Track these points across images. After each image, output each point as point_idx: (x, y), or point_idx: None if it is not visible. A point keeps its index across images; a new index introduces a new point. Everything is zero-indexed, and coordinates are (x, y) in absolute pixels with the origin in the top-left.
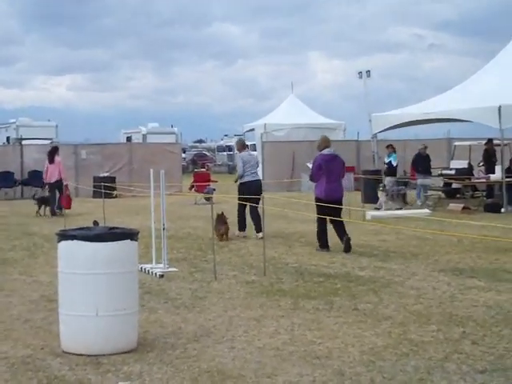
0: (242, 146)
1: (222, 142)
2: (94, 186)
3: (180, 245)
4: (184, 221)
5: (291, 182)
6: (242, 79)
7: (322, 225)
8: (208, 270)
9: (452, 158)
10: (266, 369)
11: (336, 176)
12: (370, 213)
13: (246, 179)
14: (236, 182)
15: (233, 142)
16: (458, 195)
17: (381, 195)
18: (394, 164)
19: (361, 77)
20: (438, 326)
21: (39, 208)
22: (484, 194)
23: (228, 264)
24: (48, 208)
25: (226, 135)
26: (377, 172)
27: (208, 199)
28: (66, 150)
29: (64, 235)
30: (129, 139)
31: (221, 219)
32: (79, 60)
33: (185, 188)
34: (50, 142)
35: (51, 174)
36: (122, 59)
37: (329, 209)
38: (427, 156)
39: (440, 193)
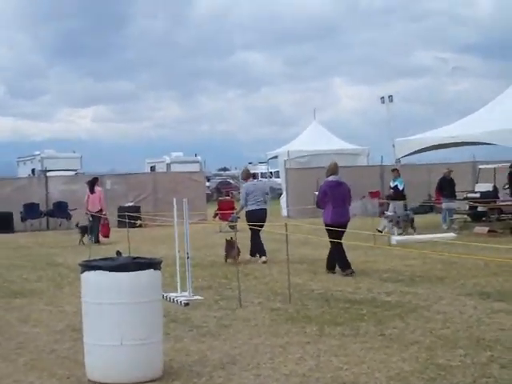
0: (247, 176)
1: None
2: (119, 216)
3: (205, 273)
4: (209, 249)
5: (315, 208)
6: (266, 107)
7: (338, 249)
8: (233, 298)
9: (477, 181)
10: None
11: (341, 201)
12: (396, 238)
13: (250, 208)
14: (236, 216)
15: (257, 170)
16: (483, 218)
17: (383, 220)
18: (401, 188)
19: (383, 102)
20: (466, 350)
21: (82, 236)
22: (510, 216)
23: (253, 291)
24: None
25: (250, 163)
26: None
27: (232, 227)
28: None
29: (87, 266)
30: (152, 169)
31: (230, 244)
32: (104, 91)
33: (209, 216)
34: (74, 173)
35: (93, 204)
36: (147, 90)
37: (337, 233)
38: (452, 180)
39: (466, 216)
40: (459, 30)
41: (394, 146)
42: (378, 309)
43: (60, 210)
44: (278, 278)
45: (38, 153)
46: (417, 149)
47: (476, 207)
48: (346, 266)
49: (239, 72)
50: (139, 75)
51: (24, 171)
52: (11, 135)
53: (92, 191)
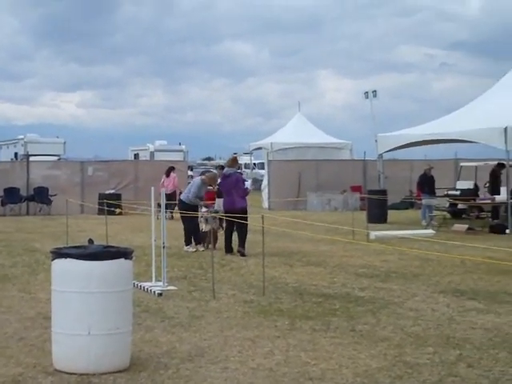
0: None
1: None
2: (99, 203)
3: (181, 263)
4: None
5: (297, 200)
6: (252, 97)
7: (227, 233)
8: (207, 289)
9: (458, 179)
10: None
11: (230, 191)
12: (374, 233)
13: None
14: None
15: (241, 161)
16: (463, 216)
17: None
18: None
19: (367, 97)
20: (435, 349)
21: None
22: (489, 215)
23: (228, 283)
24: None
25: (235, 153)
26: (383, 192)
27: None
28: (72, 166)
29: (57, 253)
30: (136, 156)
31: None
32: (89, 77)
33: None
34: (57, 158)
35: (167, 186)
36: (133, 76)
37: (230, 219)
38: (432, 176)
39: (445, 213)
40: (447, 27)
41: (376, 141)
42: (350, 304)
43: (41, 195)
44: (254, 270)
45: (21, 137)
46: (398, 145)
47: (456, 204)
48: (228, 250)
49: (226, 61)
50: (126, 62)
51: (6, 155)
52: None
53: (168, 176)
